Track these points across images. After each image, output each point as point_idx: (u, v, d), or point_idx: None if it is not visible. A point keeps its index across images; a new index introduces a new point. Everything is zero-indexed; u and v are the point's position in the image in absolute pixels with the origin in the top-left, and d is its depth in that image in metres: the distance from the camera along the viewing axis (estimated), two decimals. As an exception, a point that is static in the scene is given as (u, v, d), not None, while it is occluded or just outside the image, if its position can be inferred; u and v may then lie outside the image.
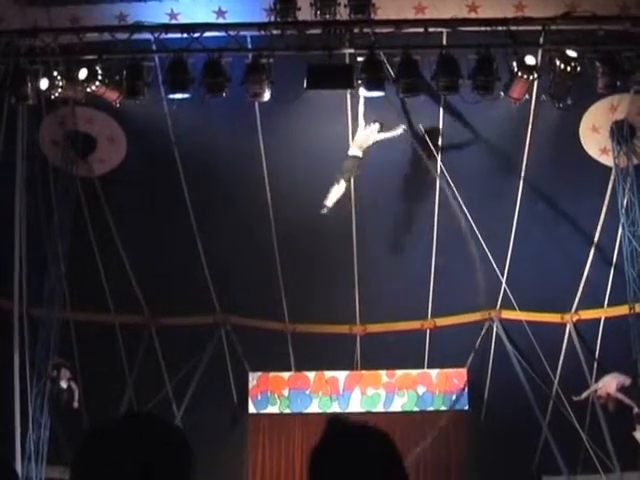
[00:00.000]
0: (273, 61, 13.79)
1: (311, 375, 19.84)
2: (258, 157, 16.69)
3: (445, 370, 19.60)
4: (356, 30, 13.88)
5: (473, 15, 14.31)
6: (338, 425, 2.68)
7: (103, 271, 18.29)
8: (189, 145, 16.44)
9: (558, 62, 13.68)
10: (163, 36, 14.03)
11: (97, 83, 14.11)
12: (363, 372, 19.76)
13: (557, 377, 18.30)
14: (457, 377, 19.64)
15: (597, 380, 17.70)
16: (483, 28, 13.64)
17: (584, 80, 13.76)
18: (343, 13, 13.61)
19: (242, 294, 18.53)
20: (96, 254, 18.02)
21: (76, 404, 17.26)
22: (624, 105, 15.80)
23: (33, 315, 16.51)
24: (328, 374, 19.82)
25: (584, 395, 17.63)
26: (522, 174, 16.66)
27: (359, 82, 13.76)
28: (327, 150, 16.13)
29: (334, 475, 2.59)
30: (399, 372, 19.72)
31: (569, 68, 13.63)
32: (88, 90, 14.24)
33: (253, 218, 17.50)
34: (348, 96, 15.49)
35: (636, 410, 16.60)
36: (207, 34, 13.92)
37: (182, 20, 14.54)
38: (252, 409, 19.86)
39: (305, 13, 13.61)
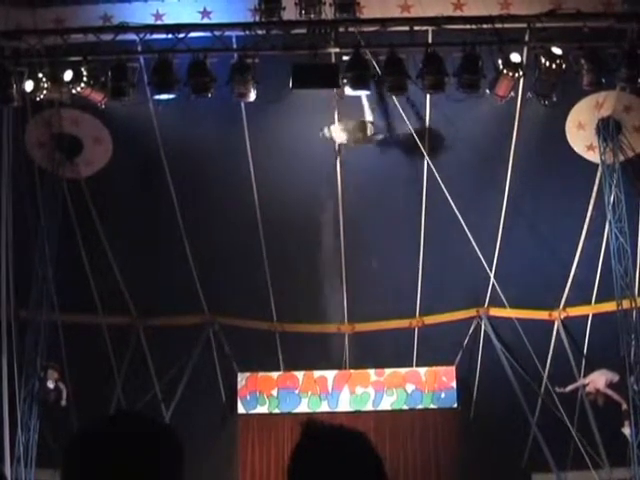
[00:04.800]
0: (258, 61, 13.79)
1: (300, 375, 19.84)
2: (244, 157, 16.68)
3: (434, 368, 19.62)
4: (341, 29, 13.89)
5: (458, 13, 14.34)
6: (313, 429, 2.66)
7: (90, 272, 18.23)
8: (175, 145, 16.41)
9: (543, 59, 13.71)
10: (148, 37, 14.02)
11: (82, 84, 14.06)
12: (352, 371, 19.76)
13: (546, 374, 18.31)
14: (446, 375, 19.66)
15: (585, 377, 17.74)
16: (468, 26, 13.68)
17: (569, 77, 13.79)
18: (328, 12, 13.63)
19: (230, 294, 18.51)
20: (83, 255, 17.97)
21: (64, 402, 17.23)
22: (610, 102, 15.85)
23: (21, 317, 16.46)
24: (317, 373, 19.82)
25: (569, 388, 17.65)
26: (509, 172, 16.67)
27: (344, 81, 13.75)
28: (314, 149, 16.13)
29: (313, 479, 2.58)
30: (388, 371, 19.73)
31: (554, 65, 13.66)
32: (73, 91, 14.20)
33: (240, 218, 17.48)
34: (334, 96, 15.48)
35: (624, 406, 16.65)
36: (192, 34, 13.92)
37: (167, 21, 14.52)
38: (241, 409, 19.87)
39: (290, 13, 13.62)
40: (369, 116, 15.74)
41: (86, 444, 2.47)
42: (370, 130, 15.85)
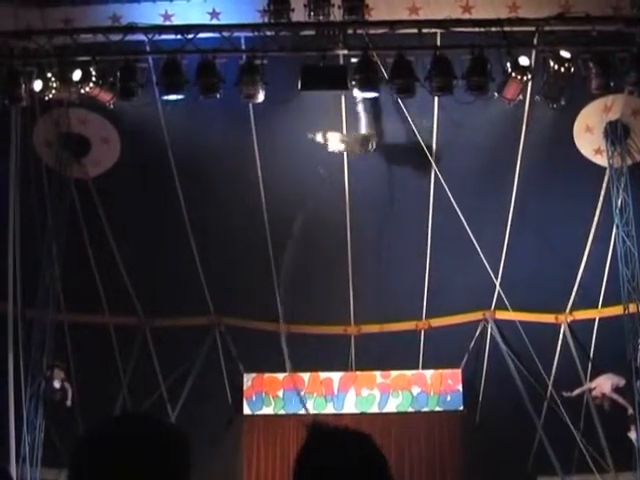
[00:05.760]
0: (267, 62, 13.79)
1: (306, 376, 19.82)
2: (252, 158, 16.69)
3: (440, 371, 19.60)
4: (350, 31, 13.89)
5: (467, 16, 14.33)
6: (319, 430, 2.66)
7: (97, 272, 18.25)
8: (183, 146, 16.43)
9: (552, 63, 13.70)
10: (157, 37, 14.03)
11: (91, 84, 14.08)
12: (358, 373, 19.75)
13: (551, 378, 18.29)
14: (452, 378, 19.64)
15: (591, 381, 17.72)
16: (477, 29, 13.66)
17: (578, 81, 13.78)
18: (337, 14, 13.62)
19: (236, 295, 18.52)
20: (90, 255, 17.99)
21: (69, 402, 17.24)
22: (618, 105, 15.84)
23: (27, 316, 16.47)
24: (323, 375, 19.80)
25: (575, 392, 17.61)
26: (516, 175, 16.67)
27: (353, 83, 13.76)
28: (321, 151, 16.13)
29: None
30: (394, 373, 19.71)
31: (563, 69, 13.65)
32: (82, 91, 14.21)
33: (247, 218, 17.49)
34: (342, 97, 15.50)
35: (630, 411, 16.62)
36: (201, 35, 13.92)
37: (176, 21, 14.54)
38: (247, 410, 19.85)
39: (299, 14, 13.61)
40: (368, 129, 15.78)
41: (92, 446, 2.47)
42: (372, 145, 15.84)
